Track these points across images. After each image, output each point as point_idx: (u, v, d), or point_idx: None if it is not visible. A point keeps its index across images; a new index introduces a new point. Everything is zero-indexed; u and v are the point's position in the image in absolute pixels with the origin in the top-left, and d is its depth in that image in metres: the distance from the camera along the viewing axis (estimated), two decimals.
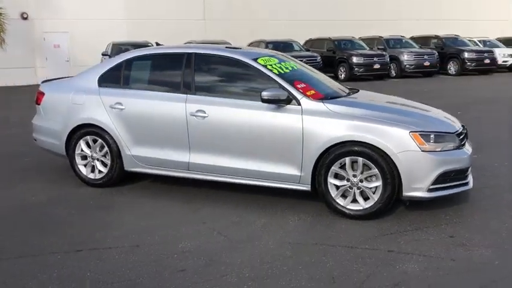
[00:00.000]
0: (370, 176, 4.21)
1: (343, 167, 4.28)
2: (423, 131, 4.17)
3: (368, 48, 20.53)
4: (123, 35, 20.23)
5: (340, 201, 4.33)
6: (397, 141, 4.11)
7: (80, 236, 4.03)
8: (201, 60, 4.97)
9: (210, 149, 4.73)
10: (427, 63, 20.12)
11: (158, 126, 4.91)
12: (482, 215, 4.40)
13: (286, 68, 4.90)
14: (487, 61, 20.85)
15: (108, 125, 5.09)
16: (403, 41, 22.00)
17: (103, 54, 17.32)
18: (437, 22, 26.61)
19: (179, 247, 3.78)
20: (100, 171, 5.28)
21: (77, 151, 5.33)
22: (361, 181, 4.24)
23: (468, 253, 3.65)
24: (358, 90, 5.24)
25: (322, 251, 3.69)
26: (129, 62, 5.28)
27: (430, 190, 4.14)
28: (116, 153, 5.12)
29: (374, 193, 4.21)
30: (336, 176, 4.32)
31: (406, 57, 20.13)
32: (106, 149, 5.17)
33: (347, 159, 4.24)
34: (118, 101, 5.07)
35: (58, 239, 3.94)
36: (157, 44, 6.57)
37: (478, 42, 23.05)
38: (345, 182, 4.30)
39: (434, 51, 20.67)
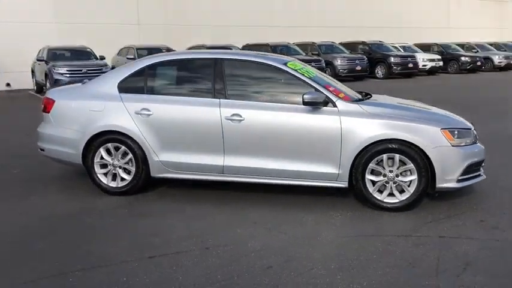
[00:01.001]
0: (405, 171, 4.59)
1: (379, 163, 4.62)
2: (450, 128, 4.63)
3: (304, 54, 21.23)
4: (54, 40, 19.22)
5: (377, 195, 4.66)
6: (430, 137, 4.53)
7: (139, 243, 3.97)
8: (232, 65, 5.08)
9: (246, 151, 4.85)
10: (358, 68, 21.35)
11: (190, 131, 4.94)
12: (493, 201, 4.95)
13: (311, 73, 5.16)
14: (410, 65, 22.59)
15: (133, 131, 5.02)
16: (334, 46, 23.15)
17: (38, 60, 16.41)
18: (360, 29, 28.25)
19: (249, 246, 3.88)
20: (123, 179, 5.18)
21: (96, 159, 5.18)
22: (396, 176, 4.60)
23: (504, 233, 4.13)
24: (371, 95, 5.60)
25: (383, 241, 3.98)
26: (152, 68, 5.24)
27: (458, 181, 4.60)
28: (141, 159, 5.06)
29: (409, 186, 4.59)
30: (372, 172, 4.65)
31: (339, 62, 21.23)
32: (130, 156, 5.09)
33: (384, 156, 4.59)
34: (144, 107, 5.01)
35: (121, 248, 3.87)
36: (168, 50, 6.48)
37: (399, 48, 24.86)
38: (381, 178, 4.64)
39: (364, 56, 21.99)
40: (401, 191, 4.64)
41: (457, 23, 34.49)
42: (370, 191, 4.66)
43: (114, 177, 5.21)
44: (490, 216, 4.51)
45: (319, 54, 21.89)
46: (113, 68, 16.18)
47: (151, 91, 5.17)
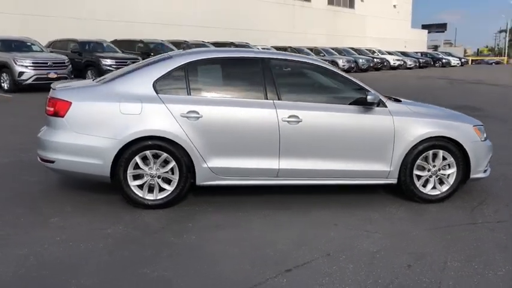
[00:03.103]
0: (446, 165, 5.04)
1: (424, 159, 4.99)
2: (478, 125, 5.23)
3: (120, 51, 19.05)
4: None
5: (422, 189, 5.02)
6: (467, 134, 5.05)
7: (256, 257, 3.64)
8: (279, 65, 4.91)
9: (302, 153, 4.76)
10: None
11: (244, 134, 4.64)
12: (500, 187, 5.73)
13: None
14: None
15: (180, 136, 4.52)
16: (205, 45, 23.19)
17: None
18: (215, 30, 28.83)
19: (366, 248, 3.86)
20: (162, 190, 4.62)
21: (130, 170, 4.53)
22: (438, 170, 5.03)
23: None
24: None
25: (454, 231, 4.29)
26: (192, 66, 4.75)
27: (484, 171, 5.22)
28: (186, 167, 4.58)
29: (448, 178, 5.06)
30: (418, 168, 4.99)
31: None
32: (173, 163, 4.57)
33: (430, 152, 4.97)
34: (192, 109, 4.55)
35: (242, 267, 3.50)
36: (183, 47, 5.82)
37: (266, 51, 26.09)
38: (426, 172, 5.01)
39: None
40: (441, 184, 5.07)
41: (301, 29, 37.51)
42: (417, 186, 4.99)
43: (151, 188, 4.62)
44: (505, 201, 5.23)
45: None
46: None
47: (196, 92, 4.71)
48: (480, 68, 49.55)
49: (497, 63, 67.26)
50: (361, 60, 31.75)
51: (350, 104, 4.88)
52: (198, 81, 4.80)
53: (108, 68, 17.12)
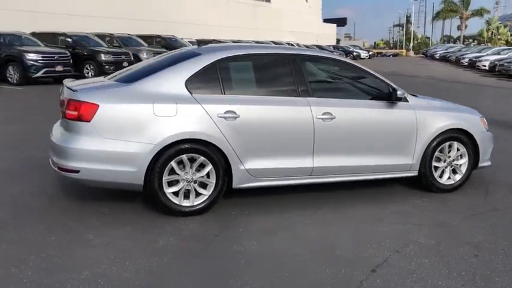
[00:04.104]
0: (458, 156, 5.29)
1: (441, 150, 5.20)
2: (482, 116, 5.54)
3: (43, 45, 17.70)
4: None
5: (439, 180, 5.23)
6: (476, 125, 5.34)
7: (330, 257, 3.58)
8: (308, 62, 4.82)
9: (334, 150, 4.74)
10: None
11: (281, 133, 4.51)
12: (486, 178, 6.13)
13: None
14: None
15: (218, 138, 4.28)
16: (132, 39, 22.22)
17: None
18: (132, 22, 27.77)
19: (431, 244, 3.92)
20: (198, 195, 4.37)
21: (166, 176, 4.21)
22: (453, 160, 5.27)
23: None
24: None
25: (486, 217, 4.52)
26: (223, 63, 4.50)
27: (489, 160, 5.56)
28: (223, 170, 4.37)
29: (461, 168, 5.32)
30: (435, 159, 5.19)
31: (145, 56, 20.60)
32: (209, 167, 4.32)
33: (446, 144, 5.19)
34: (229, 109, 4.32)
35: (326, 267, 3.42)
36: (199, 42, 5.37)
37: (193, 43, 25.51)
38: (442, 164, 5.23)
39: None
40: (454, 173, 5.32)
41: (226, 22, 37.34)
42: (435, 177, 5.19)
43: (185, 195, 4.34)
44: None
45: (120, 46, 20.75)
46: None
47: (229, 90, 4.47)
48: (386, 60, 52.81)
49: (395, 55, 72.07)
50: None
51: (376, 99, 4.94)
52: (230, 79, 4.58)
53: (34, 63, 15.83)
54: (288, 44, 36.63)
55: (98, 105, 4.06)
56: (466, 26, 67.20)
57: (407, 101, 5.04)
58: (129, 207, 4.53)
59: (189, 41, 25.77)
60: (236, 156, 4.37)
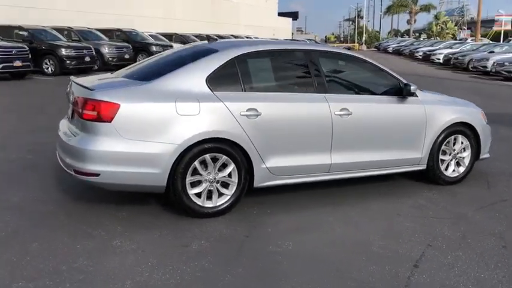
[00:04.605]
0: (462, 148, 5.43)
1: (447, 144, 5.31)
2: (481, 110, 5.71)
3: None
4: None
5: (445, 172, 5.35)
6: (478, 118, 5.50)
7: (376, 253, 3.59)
8: (322, 58, 4.78)
9: (351, 146, 4.74)
10: (127, 56, 20.57)
11: (301, 131, 4.46)
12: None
13: None
14: None
15: (240, 137, 4.18)
16: (92, 32, 21.45)
17: None
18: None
19: (458, 237, 4.02)
20: (221, 195, 4.26)
21: (189, 177, 4.08)
22: (457, 153, 5.40)
23: None
24: None
25: (499, 207, 4.69)
26: (242, 59, 4.39)
27: (488, 152, 5.74)
28: (245, 169, 4.28)
29: (464, 160, 5.46)
30: (442, 153, 5.31)
31: (107, 50, 19.99)
32: (232, 166, 4.22)
33: (452, 137, 5.31)
34: (251, 107, 4.23)
35: (367, 264, 3.42)
36: (208, 38, 5.28)
37: (159, 37, 24.96)
38: (448, 157, 5.35)
39: (129, 45, 21.21)
40: (458, 166, 5.46)
41: (182, 16, 36.72)
42: (441, 170, 5.31)
43: (208, 195, 4.22)
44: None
45: (79, 40, 20.00)
46: None
47: (249, 87, 4.37)
48: None
49: (349, 49, 73.38)
50: None
51: (387, 94, 4.98)
52: (249, 76, 4.48)
53: None
54: (247, 37, 36.55)
55: (119, 105, 3.86)
56: (415, 21, 69.43)
57: (416, 95, 5.11)
58: (146, 210, 4.36)
59: (149, 35, 25.22)
60: (258, 155, 4.29)
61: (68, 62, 17.34)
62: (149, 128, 3.93)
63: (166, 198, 4.26)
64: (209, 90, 4.16)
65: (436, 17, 56.70)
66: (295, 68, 4.74)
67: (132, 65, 5.07)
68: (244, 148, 4.21)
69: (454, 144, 5.36)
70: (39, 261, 3.34)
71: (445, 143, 5.27)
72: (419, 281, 3.24)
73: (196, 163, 4.08)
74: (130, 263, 3.37)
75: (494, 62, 20.98)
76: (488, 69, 21.55)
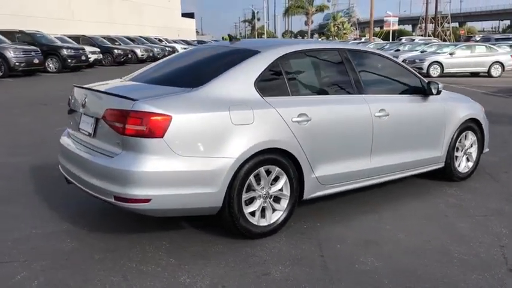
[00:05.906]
0: (470, 144, 5.51)
1: (460, 140, 5.35)
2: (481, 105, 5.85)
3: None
4: None
5: (459, 168, 5.39)
6: (482, 114, 5.61)
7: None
8: (357, 58, 4.52)
9: (387, 149, 4.55)
10: (36, 61, 18.76)
11: (348, 134, 4.18)
12: None
13: None
14: (83, 58, 21.60)
15: (293, 145, 3.79)
16: None
17: None
18: None
19: (503, 233, 4.00)
20: (273, 211, 3.83)
21: (244, 194, 3.61)
22: (467, 149, 5.47)
23: None
24: None
25: None
26: (285, 61, 3.98)
27: (487, 146, 5.90)
28: (297, 180, 3.90)
29: (472, 155, 5.55)
30: (456, 149, 5.33)
31: (13, 54, 18.01)
32: (284, 178, 3.82)
33: (463, 134, 5.36)
34: (302, 112, 3.85)
35: (443, 269, 3.24)
36: (230, 38, 4.59)
37: (67, 40, 23.07)
38: (460, 153, 5.39)
39: (38, 48, 19.34)
40: (467, 161, 5.53)
41: (78, 16, 34.52)
42: (456, 166, 5.34)
43: (262, 212, 3.78)
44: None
45: None
46: None
47: (295, 90, 3.99)
48: None
49: None
50: (155, 49, 31.13)
51: (413, 93, 4.87)
52: (294, 78, 4.09)
53: None
54: (157, 39, 35.40)
55: (171, 117, 3.27)
56: (312, 22, 72.19)
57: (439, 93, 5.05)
58: (184, 235, 3.80)
59: (55, 37, 23.24)
60: (308, 164, 3.93)
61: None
62: (204, 141, 3.39)
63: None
64: (259, 95, 3.71)
65: (334, 18, 59.45)
66: (334, 68, 4.44)
67: (144, 69, 4.42)
68: (296, 157, 3.82)
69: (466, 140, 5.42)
70: None
71: (458, 139, 5.29)
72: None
73: (252, 178, 3.61)
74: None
75: (405, 60, 22.30)
76: None
